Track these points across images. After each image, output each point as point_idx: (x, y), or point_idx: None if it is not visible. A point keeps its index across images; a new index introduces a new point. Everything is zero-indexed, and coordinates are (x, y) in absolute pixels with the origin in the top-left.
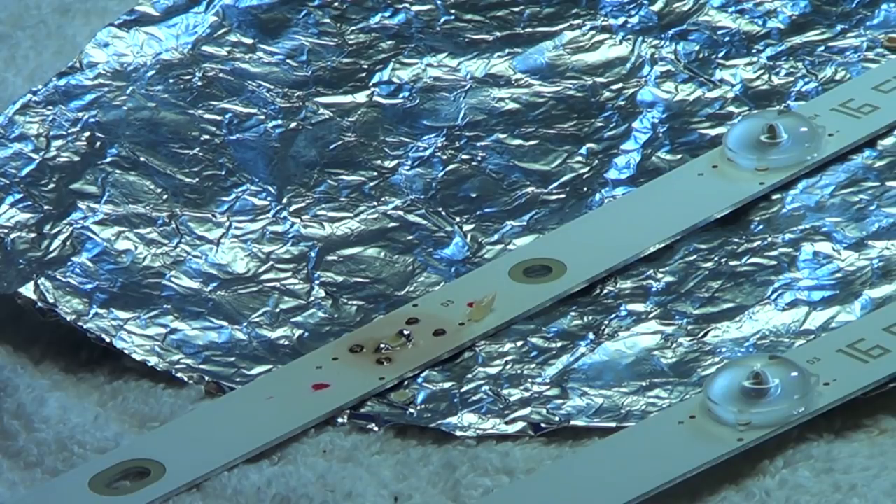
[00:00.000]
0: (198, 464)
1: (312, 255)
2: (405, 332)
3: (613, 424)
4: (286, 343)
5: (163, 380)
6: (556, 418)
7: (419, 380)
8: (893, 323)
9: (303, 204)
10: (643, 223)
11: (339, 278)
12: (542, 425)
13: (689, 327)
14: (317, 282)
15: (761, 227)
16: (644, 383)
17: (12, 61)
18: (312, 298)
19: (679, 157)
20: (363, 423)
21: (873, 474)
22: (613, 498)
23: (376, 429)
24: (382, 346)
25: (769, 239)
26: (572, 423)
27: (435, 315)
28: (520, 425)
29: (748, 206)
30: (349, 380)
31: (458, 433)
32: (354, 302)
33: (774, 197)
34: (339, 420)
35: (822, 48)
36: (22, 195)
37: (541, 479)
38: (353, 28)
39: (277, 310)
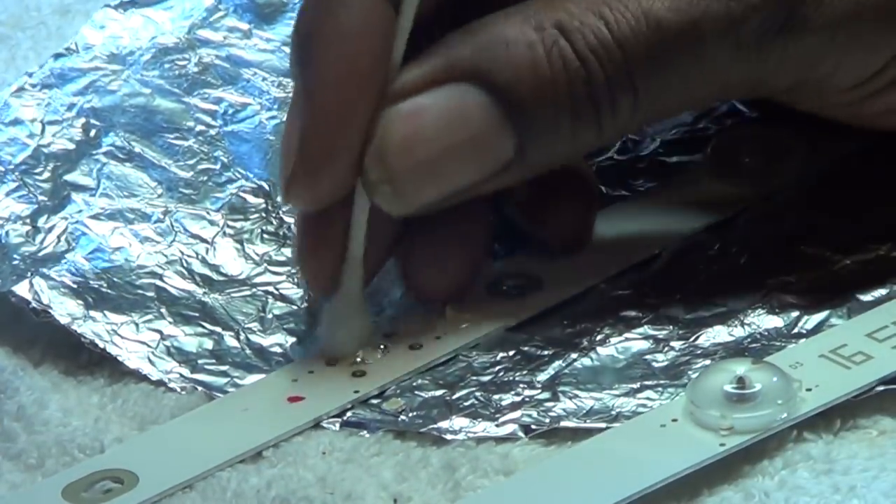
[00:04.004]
0: (171, 474)
1: None
2: (381, 346)
3: (604, 425)
4: (279, 350)
5: (163, 383)
6: (547, 420)
7: (411, 389)
8: (876, 329)
9: None
10: None
11: None
12: (533, 427)
13: (681, 331)
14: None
15: (753, 228)
16: (635, 385)
17: (12, 62)
18: (305, 305)
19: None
20: (355, 430)
21: (872, 475)
22: (592, 502)
23: (367, 435)
24: (358, 359)
25: (761, 242)
26: (562, 424)
27: (412, 328)
28: (510, 428)
29: (740, 208)
30: (324, 392)
31: (449, 437)
32: None
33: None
34: (333, 428)
35: None
36: (17, 184)
37: (516, 482)
38: None
39: (270, 315)
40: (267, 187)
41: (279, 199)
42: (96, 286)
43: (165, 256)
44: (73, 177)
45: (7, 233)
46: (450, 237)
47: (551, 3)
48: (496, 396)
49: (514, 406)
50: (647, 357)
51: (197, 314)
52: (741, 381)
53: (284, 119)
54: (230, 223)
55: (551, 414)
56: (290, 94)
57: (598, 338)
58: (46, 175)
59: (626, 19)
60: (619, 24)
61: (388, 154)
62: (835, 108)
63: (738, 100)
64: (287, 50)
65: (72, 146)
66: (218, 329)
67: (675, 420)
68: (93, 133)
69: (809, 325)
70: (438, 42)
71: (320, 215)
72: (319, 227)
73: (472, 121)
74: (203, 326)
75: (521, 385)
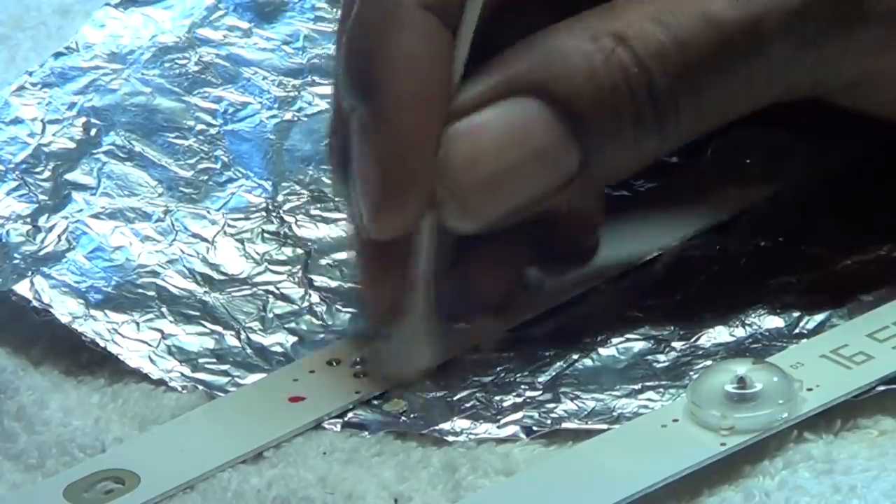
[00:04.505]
0: (172, 475)
1: (306, 257)
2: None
3: (605, 426)
4: (279, 350)
5: (164, 382)
6: (548, 421)
7: (412, 390)
8: (877, 329)
9: (297, 203)
10: None
11: (334, 283)
12: (534, 428)
13: (682, 332)
14: (311, 286)
15: (754, 229)
16: (636, 386)
17: (12, 62)
18: (306, 304)
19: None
20: (356, 430)
21: (873, 475)
22: (593, 502)
23: (368, 435)
24: (359, 359)
25: (762, 242)
26: (564, 425)
27: None
28: (512, 429)
29: (740, 209)
30: (325, 393)
31: (451, 438)
32: (348, 309)
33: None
34: (334, 429)
35: None
36: (17, 183)
37: (517, 483)
38: None
39: (271, 315)
40: (268, 186)
41: (279, 198)
42: (97, 285)
43: (166, 255)
44: (74, 176)
45: (8, 232)
46: (500, 248)
47: (605, 14)
48: (497, 397)
49: (515, 407)
50: (649, 357)
51: (198, 313)
52: (742, 381)
53: (284, 118)
54: (231, 222)
55: (552, 415)
56: (290, 94)
57: (599, 338)
58: (47, 174)
59: (684, 22)
60: (678, 27)
61: (452, 171)
62: (888, 104)
63: (789, 100)
64: (288, 49)
65: (72, 145)
66: (219, 328)
67: (675, 420)
68: (93, 132)
69: (810, 326)
70: (495, 58)
71: (384, 242)
72: (385, 254)
73: (533, 135)
74: (204, 326)
75: (523, 386)
